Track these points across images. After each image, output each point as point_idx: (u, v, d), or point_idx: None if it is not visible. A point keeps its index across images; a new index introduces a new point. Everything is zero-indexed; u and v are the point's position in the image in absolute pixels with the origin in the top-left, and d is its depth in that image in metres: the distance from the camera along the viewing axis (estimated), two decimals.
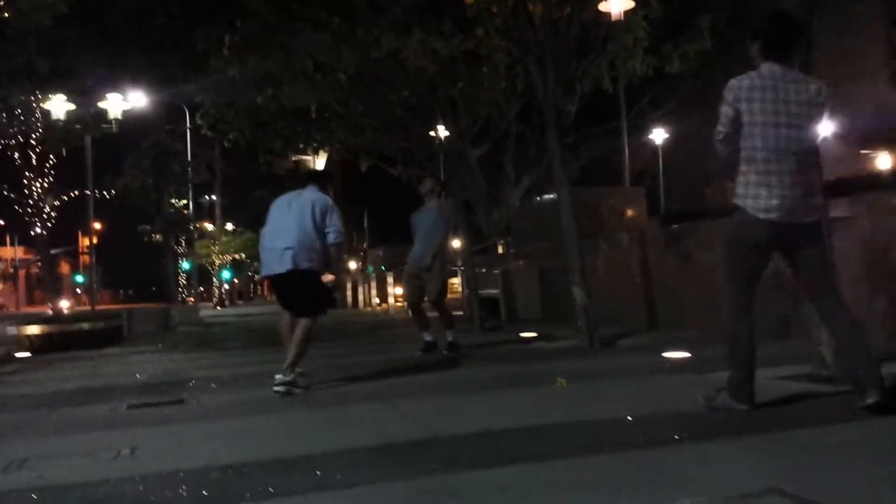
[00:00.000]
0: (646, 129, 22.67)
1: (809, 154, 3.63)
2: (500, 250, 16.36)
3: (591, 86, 13.39)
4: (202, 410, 4.79)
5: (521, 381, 5.27)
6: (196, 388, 5.83)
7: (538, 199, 14.07)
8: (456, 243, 11.91)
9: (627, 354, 6.69)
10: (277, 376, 5.21)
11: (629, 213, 12.44)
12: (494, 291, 11.89)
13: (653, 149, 24.18)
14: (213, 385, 6.01)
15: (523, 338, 8.71)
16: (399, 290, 19.29)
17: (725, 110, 3.62)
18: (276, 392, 5.13)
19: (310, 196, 5.65)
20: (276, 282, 5.66)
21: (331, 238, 5.49)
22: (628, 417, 3.73)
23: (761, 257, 3.76)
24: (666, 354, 6.29)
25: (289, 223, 5.49)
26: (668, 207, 19.29)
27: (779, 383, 4.43)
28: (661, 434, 3.34)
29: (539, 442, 3.35)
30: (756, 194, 3.59)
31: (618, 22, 10.42)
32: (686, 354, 6.17)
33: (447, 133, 11.62)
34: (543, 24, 8.15)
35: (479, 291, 10.82)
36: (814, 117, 3.62)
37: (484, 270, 12.66)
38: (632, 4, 10.22)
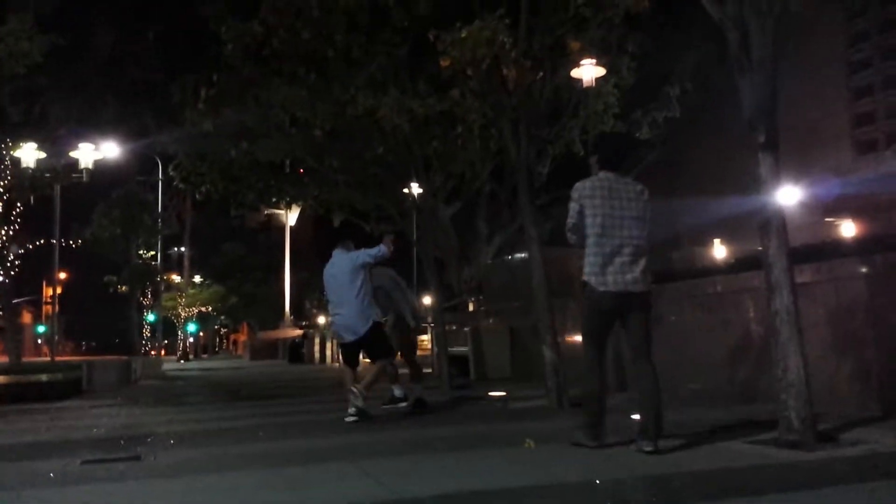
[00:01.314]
0: None
1: (637, 238, 4.55)
2: (471, 308, 16.34)
3: (563, 149, 13.65)
4: (158, 467, 4.63)
5: (488, 441, 5.18)
6: (154, 444, 5.65)
7: (510, 257, 14.13)
8: (427, 300, 11.88)
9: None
10: (351, 409, 6.42)
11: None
12: (464, 349, 11.82)
13: None
14: (171, 441, 5.83)
15: (492, 396, 8.62)
16: None
17: (572, 206, 4.59)
18: (350, 420, 6.32)
19: (339, 263, 6.79)
20: (346, 344, 6.90)
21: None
22: (597, 481, 3.68)
23: (607, 321, 4.62)
24: (634, 416, 6.24)
25: (341, 296, 6.70)
26: None
27: (744, 448, 4.42)
28: (631, 497, 3.28)
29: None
30: (596, 271, 4.49)
31: (589, 88, 10.70)
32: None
33: (420, 190, 11.70)
34: (517, 87, 8.32)
35: (449, 349, 10.74)
36: (639, 210, 4.61)
37: (454, 328, 12.60)
38: (603, 72, 10.50)
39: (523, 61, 8.39)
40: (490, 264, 16.59)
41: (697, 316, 7.91)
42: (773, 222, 4.55)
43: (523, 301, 10.27)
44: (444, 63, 8.73)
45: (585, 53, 9.95)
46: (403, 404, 7.40)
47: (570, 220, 4.62)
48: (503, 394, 8.75)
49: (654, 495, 3.37)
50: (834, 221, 19.47)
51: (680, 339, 8.06)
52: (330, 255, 7.15)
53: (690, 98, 15.06)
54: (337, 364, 20.32)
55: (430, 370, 13.77)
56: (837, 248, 6.72)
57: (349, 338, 6.83)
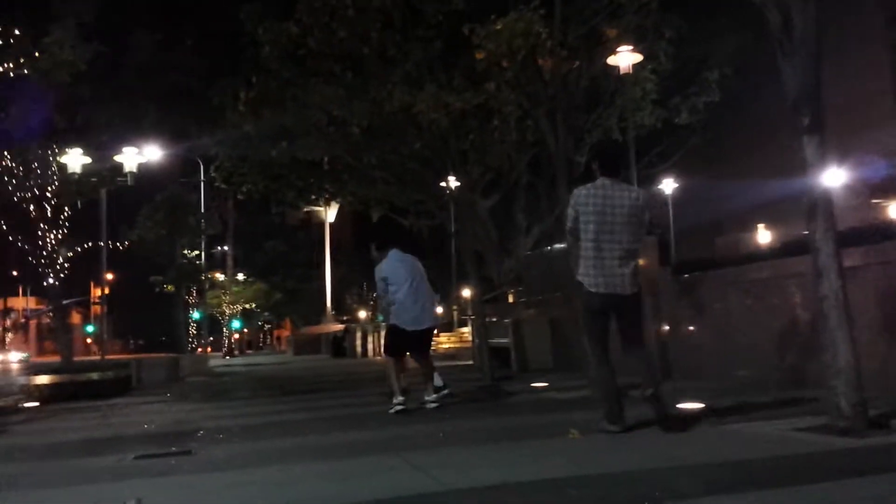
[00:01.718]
0: (656, 180, 22.83)
1: (627, 243, 4.84)
2: (511, 299, 16.32)
3: (601, 136, 13.52)
4: (209, 462, 4.74)
5: (533, 432, 5.18)
6: (204, 439, 5.78)
7: (549, 248, 14.06)
8: (466, 293, 11.90)
9: (641, 405, 6.59)
10: (429, 396, 7.05)
11: (640, 262, 12.37)
12: (505, 341, 11.81)
13: (663, 199, 24.26)
14: (220, 435, 5.95)
15: (535, 388, 8.62)
16: None
17: (569, 211, 4.91)
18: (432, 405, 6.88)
19: (410, 261, 7.22)
20: (413, 333, 7.10)
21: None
22: (644, 470, 3.66)
23: (601, 319, 4.91)
24: (680, 405, 6.19)
25: (411, 291, 7.06)
26: (679, 257, 19.26)
27: (794, 435, 4.35)
28: (675, 487, 3.26)
29: (554, 495, 3.29)
30: (588, 273, 4.80)
31: (626, 75, 10.59)
32: (700, 405, 6.08)
33: (458, 184, 11.72)
34: (553, 77, 8.28)
35: (490, 341, 10.74)
36: (632, 216, 4.87)
37: (494, 320, 12.59)
38: (640, 58, 10.40)
39: (559, 51, 8.35)
40: (529, 255, 16.53)
41: (743, 302, 7.79)
42: (820, 205, 4.46)
43: (564, 291, 10.22)
44: (480, 56, 8.74)
45: (622, 40, 9.86)
46: (446, 391, 7.51)
47: (568, 224, 4.98)
48: (545, 384, 8.73)
49: (703, 484, 3.34)
50: (881, 203, 18.96)
51: (726, 327, 7.96)
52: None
53: (730, 82, 14.79)
54: (379, 358, 20.45)
55: (471, 362, 13.81)
56: (886, 231, 6.55)
57: (414, 327, 7.16)
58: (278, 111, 10.60)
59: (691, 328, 8.63)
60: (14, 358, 46.10)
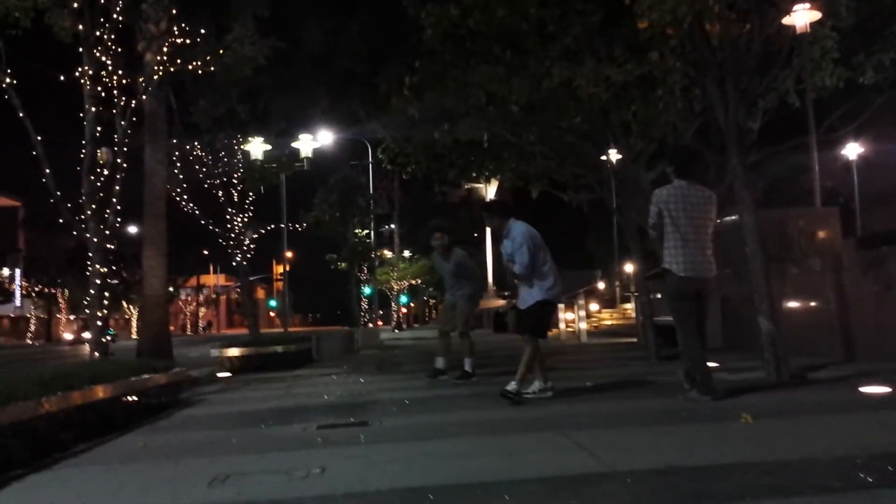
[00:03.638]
0: (838, 145, 21.06)
1: (705, 234, 5.69)
2: None
3: (775, 101, 12.69)
4: (384, 433, 5.04)
5: (701, 415, 5.05)
6: (378, 411, 6.13)
7: (719, 221, 13.45)
8: (629, 268, 11.69)
9: (820, 388, 6.24)
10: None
11: (821, 234, 11.56)
12: (670, 318, 11.46)
13: (846, 165, 22.38)
14: (393, 408, 6.29)
15: None
16: (570, 316, 19.07)
17: (653, 209, 5.71)
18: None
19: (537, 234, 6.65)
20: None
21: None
22: (821, 457, 3.50)
23: (689, 301, 5.65)
24: (864, 389, 5.80)
25: (539, 265, 6.51)
26: (864, 229, 17.73)
27: None
28: (857, 478, 3.10)
29: (722, 482, 3.23)
30: (677, 260, 5.61)
31: (803, 34, 9.86)
32: (887, 389, 5.66)
33: (619, 157, 11.46)
34: (722, 43, 7.86)
35: (654, 318, 10.48)
36: (707, 212, 5.75)
37: (659, 296, 12.26)
38: (818, 15, 9.63)
39: (728, 14, 7.92)
40: None
41: None
42: None
43: (735, 268, 9.76)
44: (642, 25, 8.46)
45: None
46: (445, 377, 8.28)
47: (652, 220, 5.74)
48: (715, 365, 8.42)
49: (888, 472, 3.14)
50: None
51: None
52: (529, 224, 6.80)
53: None
54: (557, 331, 20.48)
55: (634, 339, 13.56)
56: None
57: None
58: (440, 93, 10.84)
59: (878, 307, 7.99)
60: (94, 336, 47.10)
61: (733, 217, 11.17)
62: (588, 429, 4.69)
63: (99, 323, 9.52)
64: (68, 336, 48.05)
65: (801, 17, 9.59)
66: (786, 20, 9.47)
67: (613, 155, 11.65)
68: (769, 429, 4.44)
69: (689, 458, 3.69)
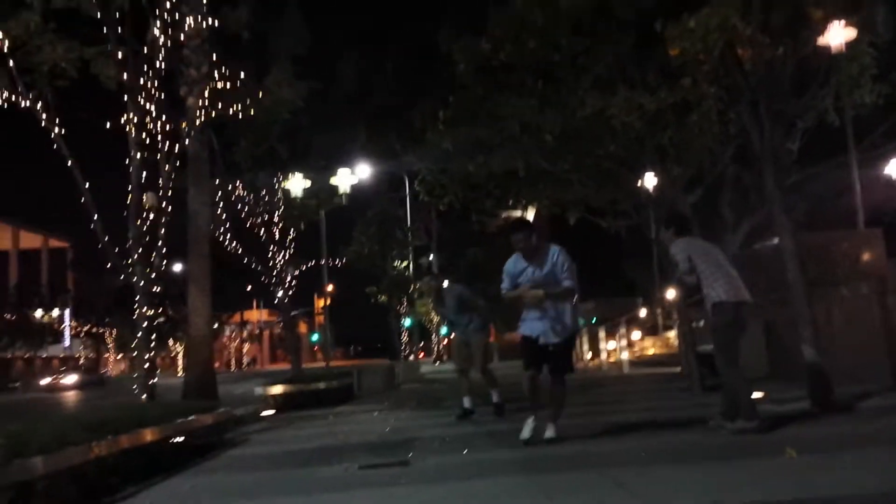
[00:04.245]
0: (881, 162, 20.61)
1: (733, 269, 5.97)
2: None
3: (814, 121, 12.51)
4: (426, 472, 5.04)
5: (746, 450, 4.95)
6: (421, 448, 6.13)
7: (759, 245, 13.23)
8: (670, 295, 11.56)
9: (868, 419, 6.07)
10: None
11: (865, 256, 11.31)
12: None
13: (890, 182, 21.86)
14: (435, 444, 6.29)
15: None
16: (612, 345, 18.87)
17: (680, 258, 5.86)
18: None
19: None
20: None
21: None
22: (868, 495, 3.41)
23: (738, 328, 5.79)
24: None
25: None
26: None
27: None
28: None
29: None
30: (725, 289, 5.72)
31: (839, 53, 9.74)
32: None
33: (655, 182, 11.39)
34: (756, 67, 7.82)
35: (698, 348, 10.31)
36: (720, 252, 6.13)
37: (702, 324, 12.06)
38: (854, 33, 9.50)
39: (760, 38, 7.88)
40: (739, 254, 15.66)
41: None
42: None
43: (779, 292, 9.58)
44: (674, 52, 8.47)
45: (831, 17, 9.09)
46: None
47: (683, 266, 5.85)
48: (760, 395, 8.25)
49: None
50: None
51: None
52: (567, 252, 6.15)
53: None
54: (598, 361, 20.27)
55: (678, 369, 13.34)
56: None
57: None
58: (474, 126, 10.95)
59: None
60: (71, 380, 41.47)
61: (774, 241, 11.01)
62: (629, 466, 4.62)
63: (146, 365, 9.70)
64: (43, 382, 42.67)
65: (837, 36, 9.45)
66: (820, 40, 9.38)
67: (650, 180, 11.59)
68: (814, 464, 4.33)
69: (732, 496, 3.62)
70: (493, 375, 8.61)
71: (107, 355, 56.25)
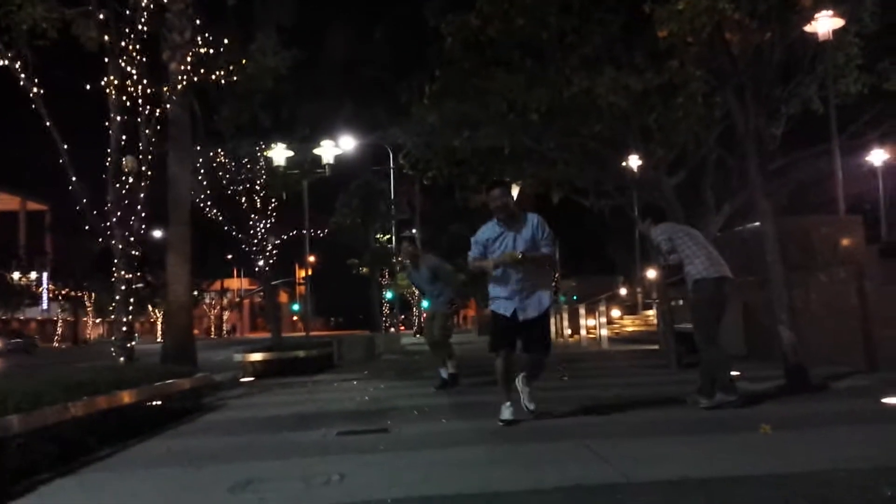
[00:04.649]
0: (863, 151, 20.85)
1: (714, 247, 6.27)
2: None
3: (798, 108, 12.58)
4: (404, 440, 5.09)
5: (720, 425, 5.04)
6: (398, 417, 6.18)
7: (740, 228, 13.37)
8: (651, 274, 11.66)
9: (842, 398, 6.20)
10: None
11: (844, 242, 11.46)
12: (691, 326, 11.40)
13: (871, 171, 22.14)
14: (414, 413, 6.34)
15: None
16: (591, 322, 19.03)
17: (662, 239, 6.11)
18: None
19: None
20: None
21: None
22: (839, 469, 3.49)
23: (718, 305, 5.99)
24: (887, 400, 5.75)
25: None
26: (890, 236, 17.51)
27: None
28: (877, 492, 3.10)
29: (736, 495, 3.24)
30: (706, 266, 5.92)
31: (826, 41, 9.80)
32: None
33: (640, 163, 11.45)
34: (744, 51, 7.84)
35: (676, 326, 10.44)
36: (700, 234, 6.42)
37: (681, 303, 12.20)
38: (841, 22, 9.57)
39: (748, 23, 7.90)
40: (720, 236, 15.80)
41: None
42: None
43: (758, 275, 9.70)
44: (662, 34, 8.46)
45: (819, 5, 9.12)
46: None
47: (666, 247, 6.08)
48: (737, 374, 8.38)
49: None
50: None
51: None
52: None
53: None
54: (577, 337, 20.43)
55: (656, 347, 13.50)
56: None
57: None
58: (460, 101, 10.92)
59: None
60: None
61: (756, 224, 11.11)
62: (607, 438, 4.70)
63: (124, 328, 9.65)
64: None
65: (824, 25, 9.53)
66: (808, 28, 9.43)
67: (634, 161, 11.64)
68: (787, 440, 4.43)
69: (705, 468, 3.70)
70: (452, 349, 8.85)
71: (85, 319, 55.85)
